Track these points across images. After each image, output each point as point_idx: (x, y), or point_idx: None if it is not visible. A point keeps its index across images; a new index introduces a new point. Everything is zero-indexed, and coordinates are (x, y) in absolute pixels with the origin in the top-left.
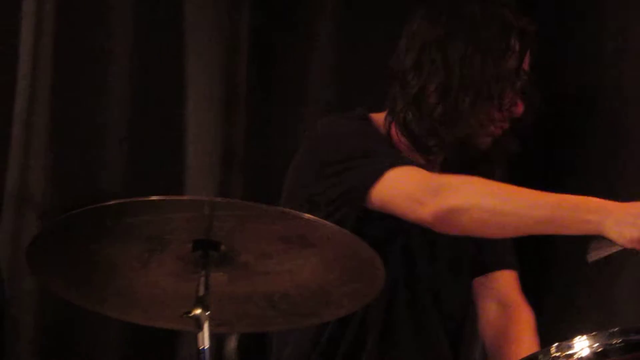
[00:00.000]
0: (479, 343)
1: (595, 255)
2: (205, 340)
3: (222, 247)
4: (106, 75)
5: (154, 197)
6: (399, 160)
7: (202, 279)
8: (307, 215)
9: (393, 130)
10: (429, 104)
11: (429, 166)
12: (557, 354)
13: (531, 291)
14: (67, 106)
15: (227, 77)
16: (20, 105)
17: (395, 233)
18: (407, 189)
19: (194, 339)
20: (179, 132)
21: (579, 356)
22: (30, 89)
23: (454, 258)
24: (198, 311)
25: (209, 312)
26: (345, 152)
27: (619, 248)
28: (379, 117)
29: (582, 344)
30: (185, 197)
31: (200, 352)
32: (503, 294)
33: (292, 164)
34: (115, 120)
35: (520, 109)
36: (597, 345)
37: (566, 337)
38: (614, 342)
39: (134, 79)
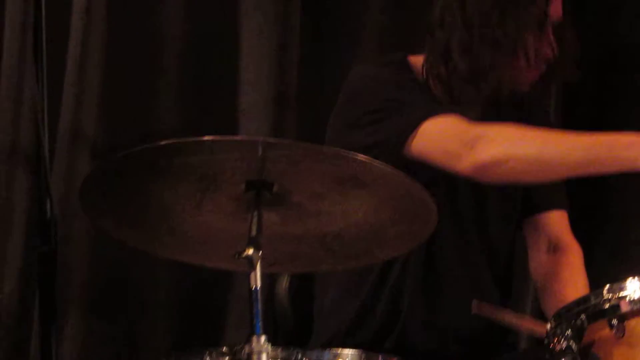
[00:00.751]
0: (530, 286)
1: None
2: (257, 280)
3: (275, 188)
4: (160, 16)
5: (207, 138)
6: (433, 110)
7: (255, 220)
8: (361, 156)
9: (429, 77)
10: (454, 59)
11: (466, 110)
12: (609, 296)
13: (583, 232)
14: (120, 47)
15: (281, 17)
16: (74, 46)
17: (437, 179)
18: (443, 144)
19: (246, 280)
20: (233, 73)
21: (631, 298)
22: (84, 29)
23: (501, 197)
24: (250, 251)
25: (261, 252)
26: (379, 102)
27: None
28: (417, 61)
29: (634, 286)
30: (238, 138)
31: (252, 292)
32: (553, 234)
33: (333, 111)
34: (168, 61)
35: (550, 53)
36: None
37: (618, 278)
38: None
39: (187, 18)
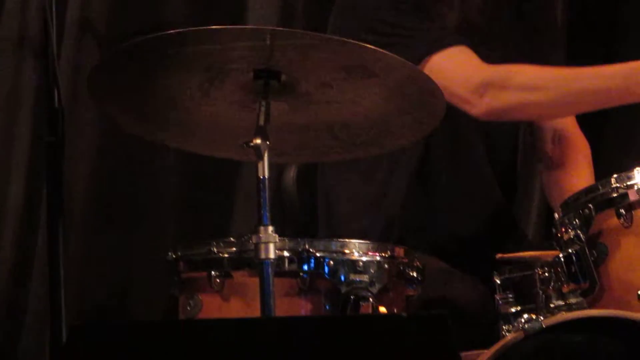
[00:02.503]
0: (536, 184)
1: None
2: (265, 169)
3: (283, 77)
4: None
5: (215, 27)
6: (439, 41)
7: (263, 109)
8: (369, 45)
9: None
10: None
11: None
12: (617, 185)
13: (591, 122)
14: None
15: None
16: None
17: None
18: (452, 87)
19: (254, 169)
20: None
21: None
22: None
23: None
24: (258, 141)
25: (269, 142)
26: (389, 22)
27: None
28: None
29: None
30: (246, 27)
31: (259, 182)
32: (560, 125)
33: (331, 15)
34: None
35: None
36: None
37: (626, 168)
38: None
39: None
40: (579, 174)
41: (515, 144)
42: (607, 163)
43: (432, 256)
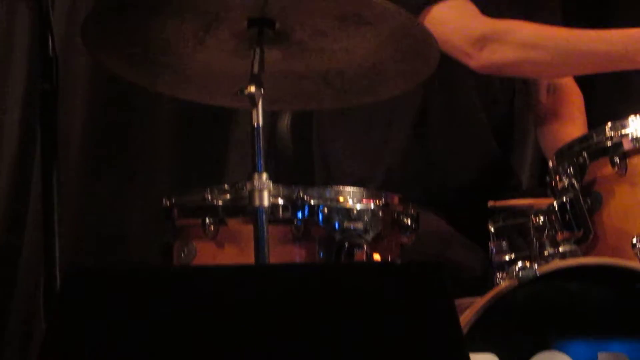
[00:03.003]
0: (531, 135)
1: None
2: (259, 117)
3: (277, 25)
4: None
5: None
6: None
7: (257, 57)
8: None
9: None
10: None
11: None
12: (612, 133)
13: None
14: None
15: None
16: None
17: None
18: (452, 39)
19: (248, 117)
20: None
21: (634, 136)
22: None
23: None
24: (252, 89)
25: (263, 90)
26: None
27: None
28: None
29: (637, 123)
30: None
31: (254, 129)
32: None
33: None
34: None
35: None
36: None
37: (621, 116)
38: None
39: None
40: (573, 124)
41: (512, 96)
42: (600, 113)
43: (432, 212)
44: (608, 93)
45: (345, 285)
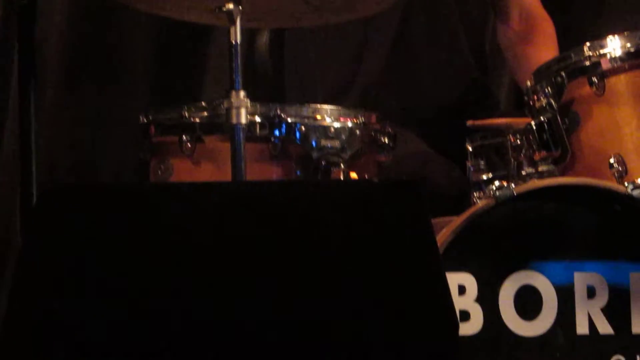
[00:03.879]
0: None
1: None
2: (237, 35)
3: None
4: None
5: None
6: None
7: None
8: None
9: None
10: None
11: None
12: (590, 53)
13: None
14: None
15: None
16: None
17: None
18: None
19: (226, 35)
20: None
21: (612, 55)
22: None
23: None
24: (230, 5)
25: (241, 7)
26: None
27: None
28: None
29: (615, 43)
30: None
31: (232, 47)
32: (525, 4)
33: None
34: None
35: None
36: (630, 45)
37: (599, 36)
38: None
39: None
40: (547, 48)
41: (487, 19)
42: (577, 35)
43: (409, 131)
44: (583, 16)
45: (322, 203)
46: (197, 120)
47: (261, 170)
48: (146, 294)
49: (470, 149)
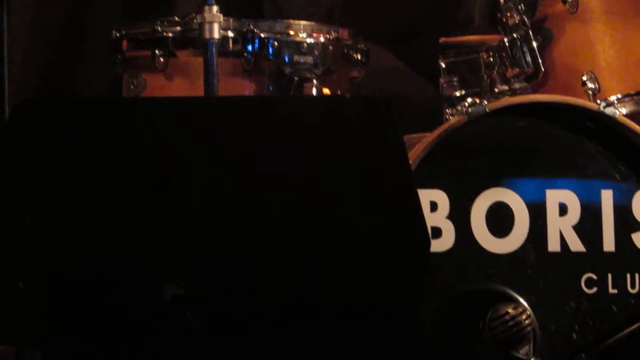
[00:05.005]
0: None
1: None
2: None
3: None
4: None
5: None
6: None
7: None
8: None
9: None
10: None
11: None
12: None
13: None
14: None
15: None
16: None
17: None
18: None
19: None
20: None
21: None
22: None
23: None
24: None
25: None
26: None
27: None
28: None
29: None
30: None
31: None
32: None
33: None
34: None
35: None
36: None
37: None
38: None
39: None
40: None
41: None
42: None
43: (382, 47)
44: None
45: (293, 118)
46: (170, 34)
47: (234, 85)
48: (122, 206)
49: (443, 65)
